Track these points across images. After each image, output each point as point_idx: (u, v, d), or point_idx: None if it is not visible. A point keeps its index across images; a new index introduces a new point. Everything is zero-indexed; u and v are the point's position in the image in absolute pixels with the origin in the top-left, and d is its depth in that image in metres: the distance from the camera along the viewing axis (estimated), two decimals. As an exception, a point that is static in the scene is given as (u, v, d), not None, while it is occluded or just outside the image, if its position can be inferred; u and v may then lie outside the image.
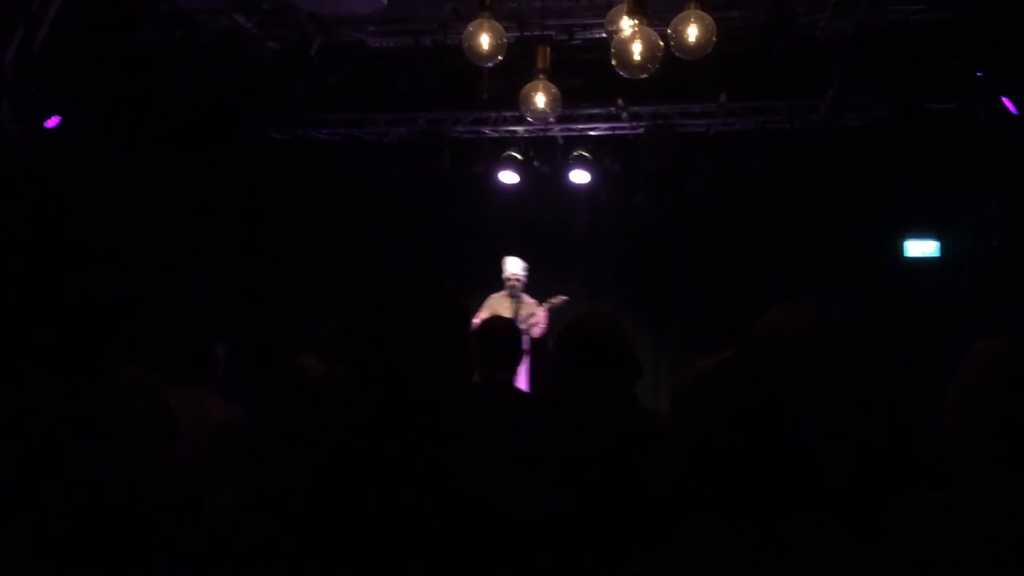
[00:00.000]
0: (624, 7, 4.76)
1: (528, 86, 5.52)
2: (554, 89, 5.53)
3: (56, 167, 0.91)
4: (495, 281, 7.67)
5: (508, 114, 8.23)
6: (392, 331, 1.47)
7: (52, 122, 6.47)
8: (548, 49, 5.72)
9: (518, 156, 8.37)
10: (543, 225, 8.89)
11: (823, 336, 2.14)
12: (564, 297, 7.65)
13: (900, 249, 8.31)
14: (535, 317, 7.51)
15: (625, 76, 4.71)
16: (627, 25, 4.60)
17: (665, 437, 1.48)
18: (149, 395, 2.53)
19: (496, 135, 8.60)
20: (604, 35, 6.04)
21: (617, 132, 8.46)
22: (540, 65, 5.61)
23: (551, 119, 6.47)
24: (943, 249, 8.28)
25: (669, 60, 4.82)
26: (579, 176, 8.44)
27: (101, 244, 0.89)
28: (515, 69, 6.09)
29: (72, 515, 0.79)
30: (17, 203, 0.85)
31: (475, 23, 5.02)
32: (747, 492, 1.34)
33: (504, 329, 3.67)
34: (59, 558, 0.77)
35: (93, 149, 6.40)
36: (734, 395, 1.38)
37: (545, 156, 8.44)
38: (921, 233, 8.31)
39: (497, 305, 7.46)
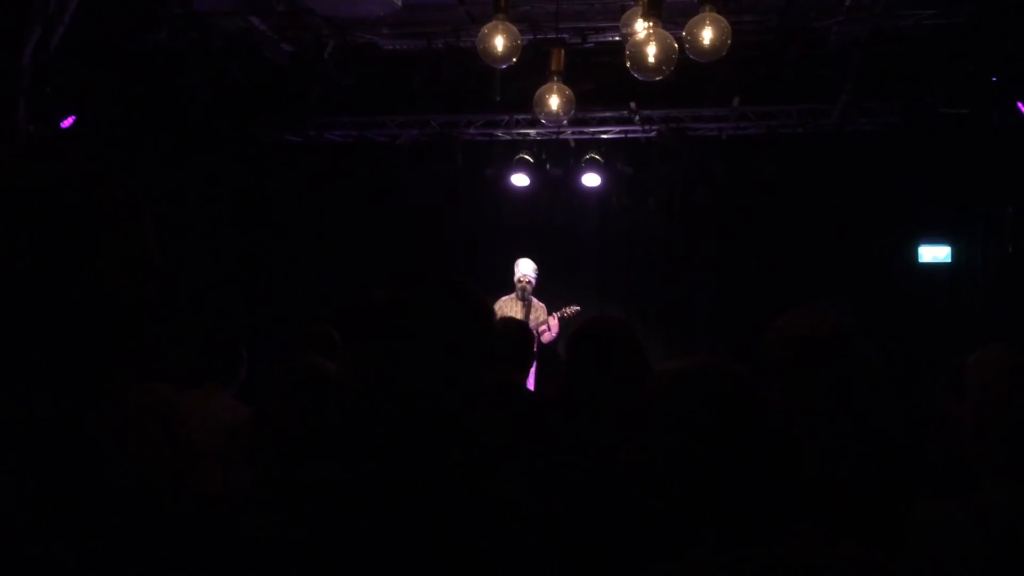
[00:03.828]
0: (639, 9, 4.76)
1: (542, 88, 5.51)
2: (568, 91, 5.52)
3: (79, 167, 0.90)
4: (506, 284, 7.68)
5: (520, 117, 8.24)
6: (417, 332, 1.45)
7: (67, 122, 6.51)
8: (562, 51, 5.72)
9: (530, 159, 8.37)
10: (554, 228, 8.90)
11: (834, 343, 2.13)
12: (576, 307, 7.65)
13: (913, 255, 8.28)
14: (545, 323, 7.51)
15: (639, 78, 4.70)
16: (642, 27, 4.60)
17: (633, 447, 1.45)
18: (160, 404, 2.56)
19: (508, 138, 8.61)
20: (617, 38, 6.04)
21: (629, 135, 8.46)
22: (554, 67, 5.61)
23: (564, 121, 6.46)
24: (956, 255, 8.25)
25: (682, 64, 4.81)
26: (591, 179, 8.43)
27: (124, 248, 0.89)
28: (527, 72, 6.09)
29: (79, 523, 0.79)
30: (40, 205, 0.85)
31: (490, 25, 5.03)
32: (726, 502, 1.32)
33: (517, 331, 3.65)
34: (70, 565, 0.77)
35: (106, 149, 6.43)
36: (692, 403, 1.36)
37: (557, 159, 8.43)
38: (934, 239, 8.28)
39: (507, 308, 7.46)
